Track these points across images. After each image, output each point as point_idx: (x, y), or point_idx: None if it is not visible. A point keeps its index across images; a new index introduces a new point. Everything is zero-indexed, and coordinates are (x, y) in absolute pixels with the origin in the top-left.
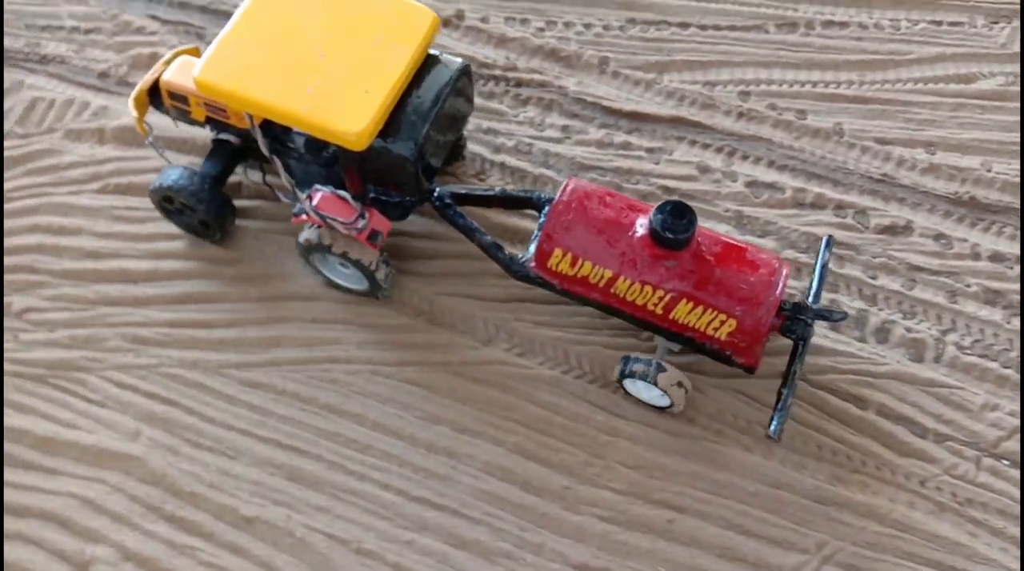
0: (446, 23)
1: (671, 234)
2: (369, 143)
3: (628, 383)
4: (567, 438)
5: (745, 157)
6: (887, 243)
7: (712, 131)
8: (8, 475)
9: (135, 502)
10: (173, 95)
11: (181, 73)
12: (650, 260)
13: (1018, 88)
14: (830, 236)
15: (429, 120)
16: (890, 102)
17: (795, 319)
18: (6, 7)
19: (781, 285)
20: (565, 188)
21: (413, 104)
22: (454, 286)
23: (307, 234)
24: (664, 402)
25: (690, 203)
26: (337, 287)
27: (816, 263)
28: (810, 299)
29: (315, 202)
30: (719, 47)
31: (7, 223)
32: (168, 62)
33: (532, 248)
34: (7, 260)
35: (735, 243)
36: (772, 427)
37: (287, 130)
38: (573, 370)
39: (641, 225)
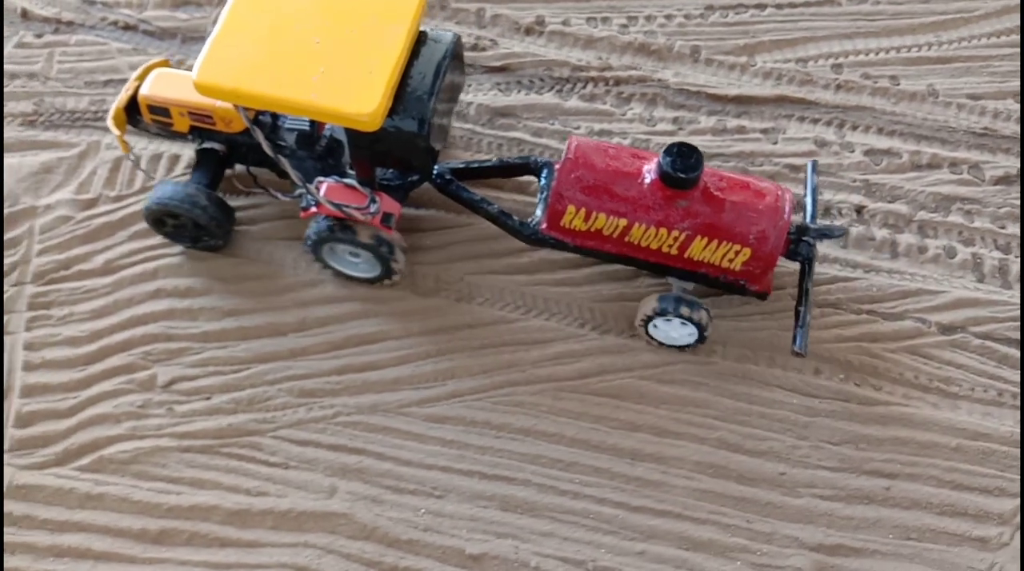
0: (528, 31)
1: (683, 174)
2: (382, 123)
3: (653, 329)
4: (768, 425)
5: (855, 127)
6: (1006, 193)
7: (816, 106)
8: (204, 554)
9: (351, 560)
10: (153, 109)
11: (159, 86)
12: (663, 202)
13: None
14: (814, 160)
15: (434, 94)
16: (971, 58)
17: (800, 241)
18: (59, 65)
19: (788, 210)
20: (569, 146)
21: (415, 80)
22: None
23: (319, 225)
24: (691, 339)
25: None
26: (345, 278)
27: (806, 187)
28: (808, 221)
29: (323, 192)
30: (800, 24)
31: (129, 292)
32: (141, 77)
33: (540, 210)
34: (141, 330)
35: (738, 177)
36: (797, 343)
37: (276, 129)
38: (753, 359)
39: (649, 171)
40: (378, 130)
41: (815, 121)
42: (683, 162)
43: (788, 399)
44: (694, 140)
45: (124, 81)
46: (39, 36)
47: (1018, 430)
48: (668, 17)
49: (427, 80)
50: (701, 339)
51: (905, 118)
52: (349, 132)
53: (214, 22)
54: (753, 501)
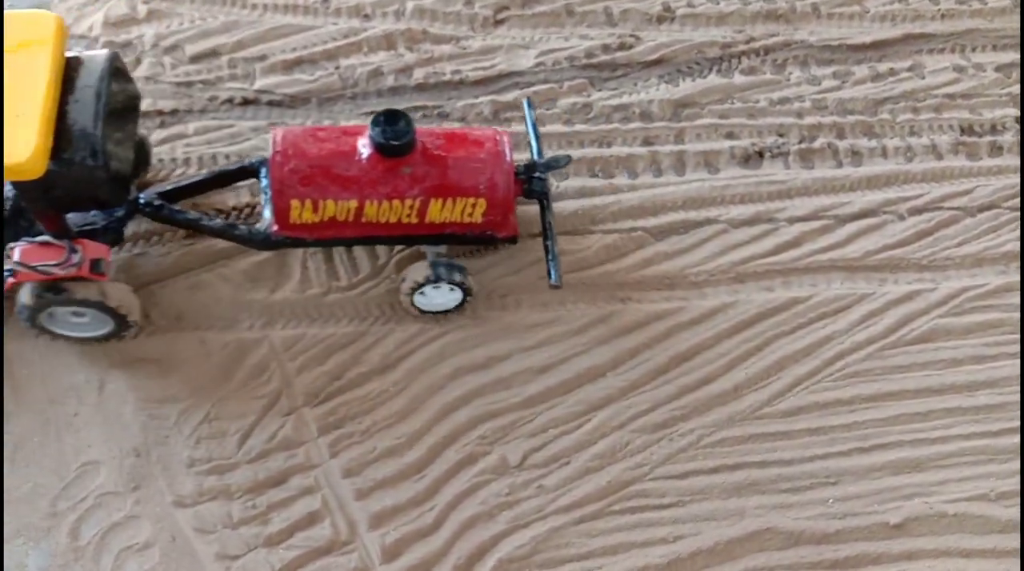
0: (659, 19)
1: (395, 141)
2: (46, 166)
3: (419, 298)
4: None
5: (974, 48)
6: None
7: (935, 37)
8: None
9: (796, 569)
10: None
11: None
12: (386, 174)
13: None
14: (528, 98)
15: (99, 119)
16: None
17: (531, 179)
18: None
19: (508, 151)
20: (275, 139)
21: (75, 110)
22: None
23: (27, 294)
24: (457, 298)
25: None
26: (77, 340)
27: (527, 125)
28: (535, 157)
29: (16, 257)
30: None
31: (424, 381)
32: None
33: (267, 212)
34: (460, 416)
35: (453, 130)
36: (552, 277)
37: None
38: None
39: (363, 145)
40: (46, 174)
41: (940, 51)
42: (392, 129)
43: None
44: (858, 90)
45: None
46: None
47: None
48: None
49: (88, 107)
50: (464, 302)
51: (1005, 32)
52: (17, 185)
53: (343, 79)
54: None
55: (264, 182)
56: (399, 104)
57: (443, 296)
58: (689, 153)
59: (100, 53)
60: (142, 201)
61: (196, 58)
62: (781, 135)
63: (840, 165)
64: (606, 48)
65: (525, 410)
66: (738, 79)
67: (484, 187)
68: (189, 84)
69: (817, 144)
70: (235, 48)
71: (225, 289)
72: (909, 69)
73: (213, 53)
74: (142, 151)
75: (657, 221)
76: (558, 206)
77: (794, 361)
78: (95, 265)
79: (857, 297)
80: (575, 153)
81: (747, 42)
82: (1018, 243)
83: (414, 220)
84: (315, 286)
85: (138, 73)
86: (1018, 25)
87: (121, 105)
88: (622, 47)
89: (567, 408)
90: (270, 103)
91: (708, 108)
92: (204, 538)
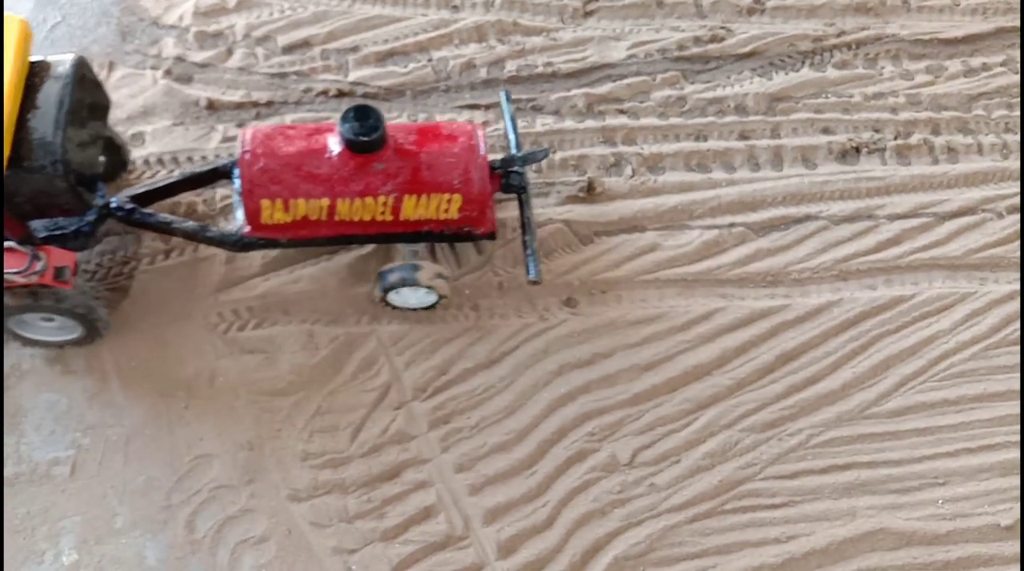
0: (750, 11)
1: (365, 137)
2: (6, 173)
3: (393, 296)
4: None
5: None
6: None
7: None
8: None
9: (908, 570)
10: None
11: None
12: (358, 171)
13: None
14: (506, 91)
15: (60, 126)
16: None
17: (509, 173)
18: None
19: (483, 144)
20: (244, 138)
21: (36, 117)
22: None
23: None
24: (432, 299)
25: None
26: (48, 345)
27: (505, 118)
28: (513, 151)
29: None
30: None
31: (530, 377)
32: None
33: (239, 213)
34: (567, 412)
35: (426, 124)
36: (531, 272)
37: None
38: None
39: (334, 142)
40: (7, 182)
41: None
42: (362, 125)
43: None
44: (949, 85)
45: None
46: (240, 125)
47: None
48: None
49: (49, 114)
50: (439, 299)
51: None
52: None
53: (436, 71)
54: None
55: (236, 183)
56: (491, 98)
57: (417, 296)
58: (786, 148)
59: (66, 58)
60: (114, 205)
61: (288, 48)
62: (877, 131)
63: (936, 162)
64: (697, 40)
65: (632, 408)
66: (831, 73)
67: (459, 182)
68: (283, 75)
69: (913, 140)
70: (327, 39)
71: (331, 282)
72: (1002, 64)
73: (305, 44)
74: (117, 155)
75: (757, 216)
76: (657, 200)
77: (900, 360)
78: (59, 272)
79: (959, 296)
80: (671, 147)
81: (838, 35)
82: None
83: (389, 217)
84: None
85: (231, 63)
86: None
87: (87, 111)
88: (714, 39)
89: (674, 406)
90: (365, 95)
91: (803, 102)
92: (320, 532)
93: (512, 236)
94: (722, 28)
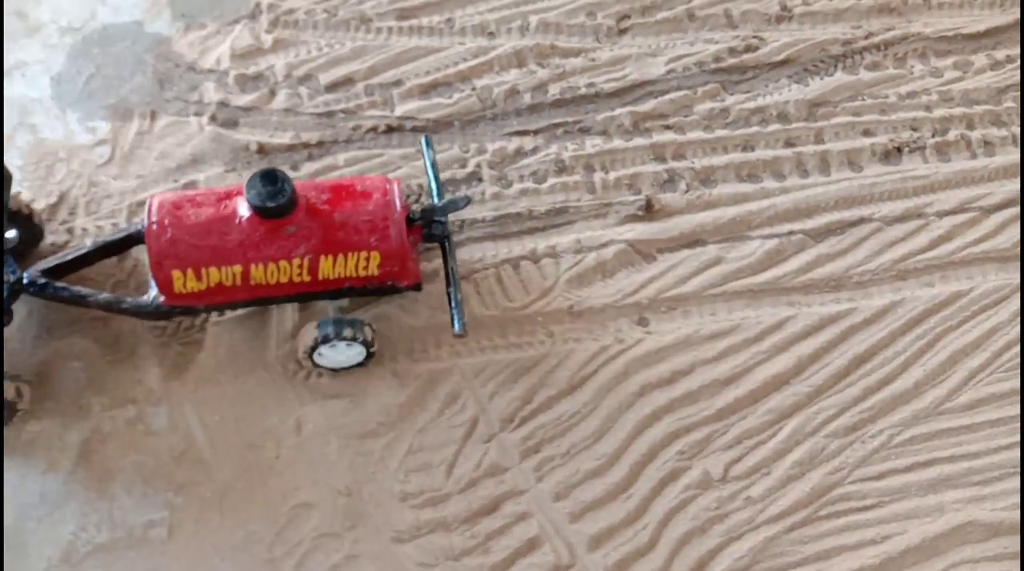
0: (778, 19)
1: (272, 203)
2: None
3: (324, 353)
4: None
5: None
6: None
7: None
8: None
9: (1001, 559)
10: None
11: None
12: (269, 235)
13: None
14: (427, 136)
15: None
16: None
17: (430, 223)
18: None
19: (398, 200)
20: (149, 209)
21: None
22: None
23: None
24: (360, 357)
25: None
26: None
27: (425, 165)
28: (435, 200)
29: None
30: None
31: (613, 400)
32: None
33: (154, 283)
34: (655, 433)
35: (339, 182)
36: (456, 326)
37: None
38: None
39: (244, 208)
40: None
41: None
42: (268, 190)
43: None
44: (977, 80)
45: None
46: (295, 168)
47: None
48: None
49: None
50: (370, 355)
51: None
52: None
53: (481, 100)
54: None
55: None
56: (538, 122)
57: (342, 353)
58: (832, 152)
59: None
60: (26, 280)
61: (331, 87)
62: (915, 130)
63: (975, 156)
64: (732, 51)
65: (717, 423)
66: (864, 75)
67: (375, 240)
68: (330, 114)
69: (951, 136)
70: (368, 74)
71: (406, 320)
72: None
73: (348, 80)
74: (28, 227)
75: (813, 222)
76: (714, 214)
77: (965, 355)
78: None
79: (1013, 287)
80: (720, 159)
81: (866, 37)
82: None
83: (306, 278)
84: (491, 309)
85: (275, 105)
86: None
87: None
88: (748, 49)
89: (758, 418)
90: (414, 129)
91: (841, 106)
92: None
93: (576, 258)
94: (754, 38)
